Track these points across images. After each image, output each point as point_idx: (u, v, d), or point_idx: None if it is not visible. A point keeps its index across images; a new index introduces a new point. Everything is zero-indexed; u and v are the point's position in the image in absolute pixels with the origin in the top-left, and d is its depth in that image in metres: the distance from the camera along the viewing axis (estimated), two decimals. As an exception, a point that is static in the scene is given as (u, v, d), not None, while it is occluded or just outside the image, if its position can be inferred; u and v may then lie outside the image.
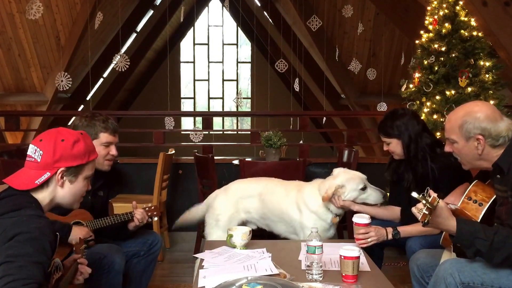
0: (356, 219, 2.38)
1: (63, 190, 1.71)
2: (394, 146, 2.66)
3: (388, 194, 2.91)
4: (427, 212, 1.73)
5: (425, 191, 1.78)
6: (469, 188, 2.09)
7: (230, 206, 3.02)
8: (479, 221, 1.98)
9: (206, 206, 3.14)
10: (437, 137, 4.04)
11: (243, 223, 3.03)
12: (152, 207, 2.65)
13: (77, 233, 2.31)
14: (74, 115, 2.46)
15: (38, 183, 1.64)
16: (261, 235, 3.05)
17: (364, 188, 2.73)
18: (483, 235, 1.78)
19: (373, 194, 2.74)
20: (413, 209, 1.83)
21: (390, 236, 2.44)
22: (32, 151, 1.67)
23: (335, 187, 2.70)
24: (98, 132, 2.48)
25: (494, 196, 2.01)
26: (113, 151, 2.53)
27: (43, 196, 1.67)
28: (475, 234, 1.79)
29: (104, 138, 2.49)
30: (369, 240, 2.37)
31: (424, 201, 1.72)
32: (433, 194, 1.78)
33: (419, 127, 2.65)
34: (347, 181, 2.74)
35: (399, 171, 2.76)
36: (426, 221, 1.74)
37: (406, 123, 2.63)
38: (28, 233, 1.47)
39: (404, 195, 2.77)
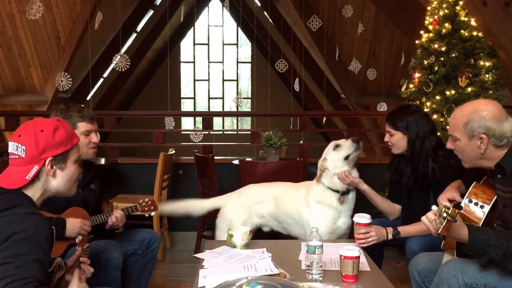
0: (356, 218, 2.39)
1: (57, 180, 1.69)
2: (397, 139, 2.66)
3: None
4: (447, 226, 1.68)
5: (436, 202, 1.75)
6: (469, 191, 2.07)
7: (242, 211, 3.01)
8: (481, 223, 1.96)
9: (212, 205, 3.12)
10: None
11: (258, 228, 3.03)
12: (149, 202, 2.65)
13: (74, 226, 2.31)
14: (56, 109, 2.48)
15: (29, 178, 1.62)
16: (260, 235, 3.06)
17: (337, 146, 2.79)
18: (497, 242, 1.75)
19: (345, 145, 2.77)
20: (424, 220, 1.79)
21: (390, 236, 2.44)
22: (14, 148, 1.64)
23: (320, 164, 2.83)
24: (75, 123, 2.48)
25: (495, 197, 1.99)
26: (94, 138, 2.53)
27: (35, 191, 1.65)
28: (488, 242, 1.75)
29: (82, 127, 2.49)
30: (369, 240, 2.37)
31: (445, 214, 1.67)
32: (446, 203, 1.75)
33: (428, 128, 2.66)
34: (325, 153, 2.85)
35: (399, 168, 2.76)
36: (446, 234, 1.70)
37: (417, 120, 2.64)
38: (23, 232, 1.46)
39: (405, 194, 2.77)
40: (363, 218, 2.39)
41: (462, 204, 2.04)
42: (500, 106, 1.98)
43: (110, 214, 2.54)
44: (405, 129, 2.63)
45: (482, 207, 1.99)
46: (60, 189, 1.72)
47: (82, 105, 2.59)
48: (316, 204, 2.84)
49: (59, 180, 1.70)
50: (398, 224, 2.65)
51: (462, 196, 2.13)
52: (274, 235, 3.11)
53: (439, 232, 1.69)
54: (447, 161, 2.54)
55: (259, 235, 3.04)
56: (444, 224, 1.68)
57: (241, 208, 3.02)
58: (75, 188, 1.80)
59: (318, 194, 2.84)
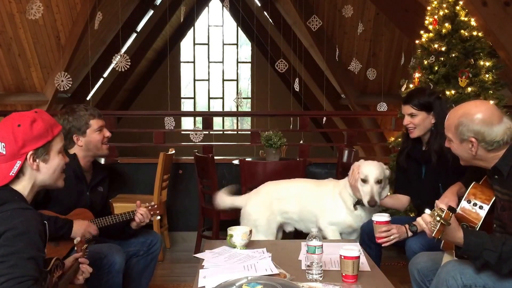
0: (376, 217, 2.41)
1: (41, 173, 1.67)
2: (421, 120, 2.68)
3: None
4: (441, 229, 1.69)
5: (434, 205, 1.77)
6: (468, 191, 2.07)
7: (265, 209, 3.02)
8: (480, 224, 1.96)
9: (231, 203, 3.16)
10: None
11: (280, 226, 3.05)
12: (155, 206, 2.65)
13: (80, 227, 2.31)
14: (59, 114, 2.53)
15: (13, 174, 1.61)
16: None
17: (364, 181, 2.76)
18: (491, 246, 1.75)
19: (364, 191, 2.76)
20: (420, 221, 1.80)
21: (409, 233, 2.45)
22: None
23: (355, 168, 2.83)
24: (88, 121, 2.52)
25: (494, 198, 1.99)
26: (107, 133, 2.59)
27: (23, 186, 1.64)
28: (483, 246, 1.76)
29: (95, 124, 2.54)
30: (391, 237, 2.38)
31: (438, 218, 1.68)
32: (442, 206, 1.76)
33: (447, 107, 2.73)
34: (365, 169, 2.82)
35: (412, 153, 2.77)
36: (440, 237, 1.71)
37: (437, 99, 2.72)
38: (14, 229, 1.46)
39: (415, 177, 2.78)
40: (382, 216, 2.41)
41: (461, 205, 2.04)
42: (494, 108, 1.95)
43: (133, 214, 2.55)
44: (429, 108, 2.67)
45: (481, 207, 1.99)
46: (46, 181, 1.70)
47: (84, 104, 2.62)
48: (338, 195, 2.90)
49: (44, 172, 1.68)
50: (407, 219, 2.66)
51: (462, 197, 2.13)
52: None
53: (433, 235, 1.70)
54: None
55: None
56: (438, 228, 1.68)
57: (263, 206, 3.03)
58: (62, 180, 1.77)
59: (341, 187, 2.92)
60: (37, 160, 1.66)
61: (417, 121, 2.68)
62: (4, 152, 1.61)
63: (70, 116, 2.51)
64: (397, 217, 2.92)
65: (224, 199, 3.22)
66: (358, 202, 2.82)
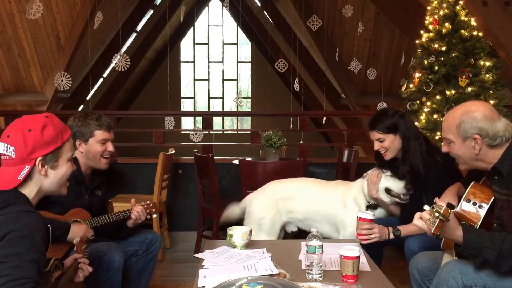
0: (360, 214, 2.41)
1: (48, 179, 1.67)
2: (390, 142, 2.70)
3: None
4: (440, 225, 1.69)
5: (433, 202, 1.77)
6: (467, 190, 2.07)
7: (270, 208, 3.01)
8: (479, 223, 1.96)
9: (241, 209, 3.12)
10: (434, 138, 4.07)
11: (284, 225, 3.05)
12: (151, 204, 2.65)
13: (76, 231, 2.31)
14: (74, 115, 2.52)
15: (21, 178, 1.60)
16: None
17: (391, 176, 2.79)
18: (491, 244, 1.76)
19: (396, 183, 2.77)
20: (417, 222, 1.80)
21: (391, 236, 2.45)
22: (4, 149, 1.62)
23: (373, 169, 2.88)
24: (93, 130, 2.51)
25: (493, 197, 2.00)
26: (109, 147, 2.56)
27: (30, 190, 1.64)
28: (483, 244, 1.76)
29: (99, 135, 2.52)
30: (372, 236, 2.38)
31: (437, 214, 1.68)
32: (441, 203, 1.76)
33: (411, 123, 2.76)
34: (384, 179, 2.84)
35: (393, 167, 2.79)
36: (439, 233, 1.71)
37: (400, 118, 2.71)
38: (19, 231, 1.45)
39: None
40: (367, 214, 2.42)
41: (460, 204, 2.04)
42: (492, 106, 1.99)
43: (129, 212, 2.55)
44: (395, 129, 2.68)
45: (480, 206, 1.99)
46: (51, 188, 1.70)
47: (101, 114, 2.61)
48: (352, 202, 2.89)
49: (51, 178, 1.68)
50: (396, 222, 2.66)
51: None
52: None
53: (432, 231, 1.70)
54: (431, 157, 2.57)
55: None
56: (436, 224, 1.68)
57: (268, 205, 3.02)
58: (65, 188, 1.77)
59: (355, 191, 2.91)
60: (46, 166, 1.66)
61: (386, 145, 2.71)
62: (13, 156, 1.61)
63: (79, 121, 2.52)
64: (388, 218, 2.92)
65: (234, 208, 3.18)
66: (371, 206, 2.84)
